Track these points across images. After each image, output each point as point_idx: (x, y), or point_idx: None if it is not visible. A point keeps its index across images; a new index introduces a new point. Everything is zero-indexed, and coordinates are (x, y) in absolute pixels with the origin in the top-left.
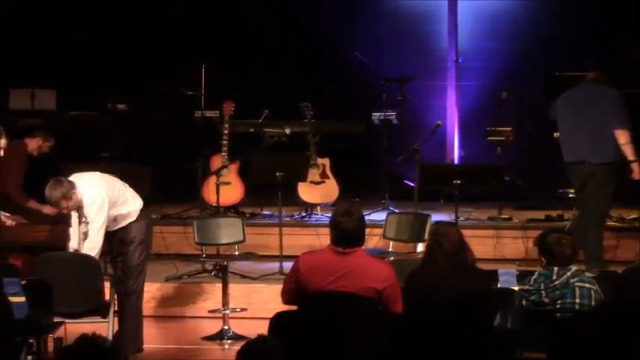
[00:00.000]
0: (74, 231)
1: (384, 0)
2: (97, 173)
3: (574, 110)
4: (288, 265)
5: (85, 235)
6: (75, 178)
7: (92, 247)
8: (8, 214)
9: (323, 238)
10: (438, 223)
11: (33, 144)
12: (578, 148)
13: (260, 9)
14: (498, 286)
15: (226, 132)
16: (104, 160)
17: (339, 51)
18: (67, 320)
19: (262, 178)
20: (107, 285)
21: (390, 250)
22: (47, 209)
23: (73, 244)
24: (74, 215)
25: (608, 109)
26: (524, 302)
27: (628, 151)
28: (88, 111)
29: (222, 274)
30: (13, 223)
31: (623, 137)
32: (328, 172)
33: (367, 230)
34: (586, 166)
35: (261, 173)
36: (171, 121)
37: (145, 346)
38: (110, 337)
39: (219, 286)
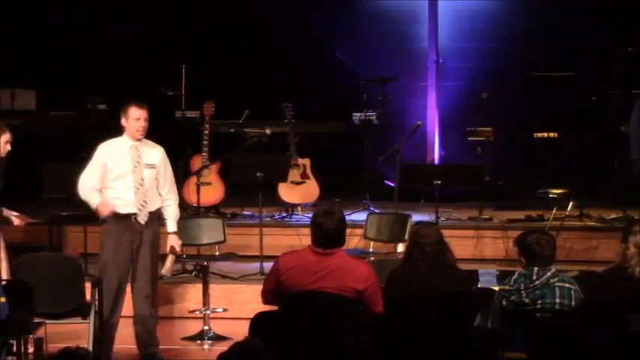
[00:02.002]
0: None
1: (365, 0)
2: None
3: None
4: (268, 266)
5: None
6: None
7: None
8: (17, 213)
9: (304, 239)
10: (418, 223)
11: None
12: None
13: (241, 9)
14: (479, 286)
15: (207, 132)
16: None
17: (319, 51)
18: (47, 321)
19: (243, 178)
20: (88, 285)
21: (371, 250)
22: (16, 220)
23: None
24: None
25: None
26: (504, 302)
27: None
28: (68, 111)
29: (203, 274)
30: (22, 222)
31: None
32: (309, 172)
33: (348, 230)
34: None
35: (241, 173)
36: (152, 121)
37: (126, 346)
38: (91, 338)
39: (199, 286)
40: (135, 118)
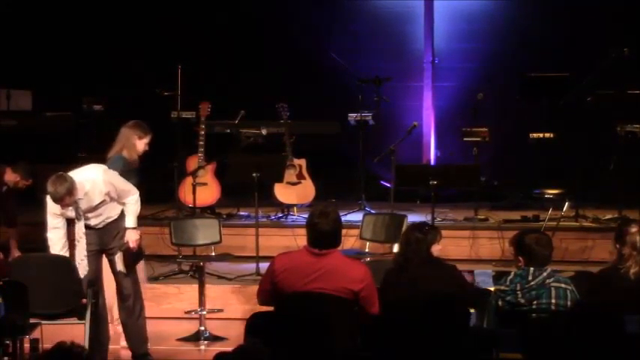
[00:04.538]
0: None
1: (360, 0)
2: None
3: None
4: (264, 266)
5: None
6: (72, 173)
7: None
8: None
9: (300, 239)
10: (413, 223)
11: (11, 176)
12: None
13: (236, 9)
14: (475, 286)
15: (202, 133)
16: (80, 161)
17: (315, 51)
18: (43, 322)
19: (239, 178)
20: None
21: (367, 250)
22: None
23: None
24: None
25: None
26: (500, 303)
27: None
28: (64, 111)
29: (199, 274)
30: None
31: None
32: (304, 172)
33: (343, 231)
34: None
35: (237, 174)
36: (148, 121)
37: (121, 346)
38: (87, 339)
39: (195, 286)
40: None
